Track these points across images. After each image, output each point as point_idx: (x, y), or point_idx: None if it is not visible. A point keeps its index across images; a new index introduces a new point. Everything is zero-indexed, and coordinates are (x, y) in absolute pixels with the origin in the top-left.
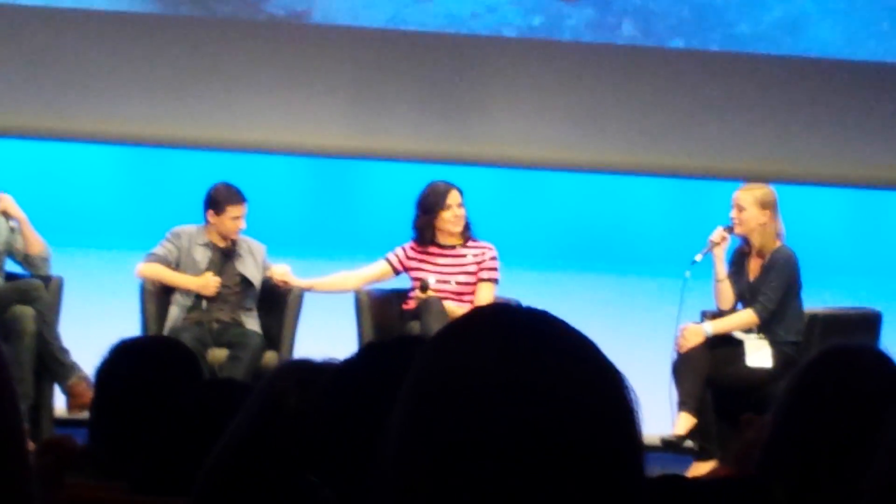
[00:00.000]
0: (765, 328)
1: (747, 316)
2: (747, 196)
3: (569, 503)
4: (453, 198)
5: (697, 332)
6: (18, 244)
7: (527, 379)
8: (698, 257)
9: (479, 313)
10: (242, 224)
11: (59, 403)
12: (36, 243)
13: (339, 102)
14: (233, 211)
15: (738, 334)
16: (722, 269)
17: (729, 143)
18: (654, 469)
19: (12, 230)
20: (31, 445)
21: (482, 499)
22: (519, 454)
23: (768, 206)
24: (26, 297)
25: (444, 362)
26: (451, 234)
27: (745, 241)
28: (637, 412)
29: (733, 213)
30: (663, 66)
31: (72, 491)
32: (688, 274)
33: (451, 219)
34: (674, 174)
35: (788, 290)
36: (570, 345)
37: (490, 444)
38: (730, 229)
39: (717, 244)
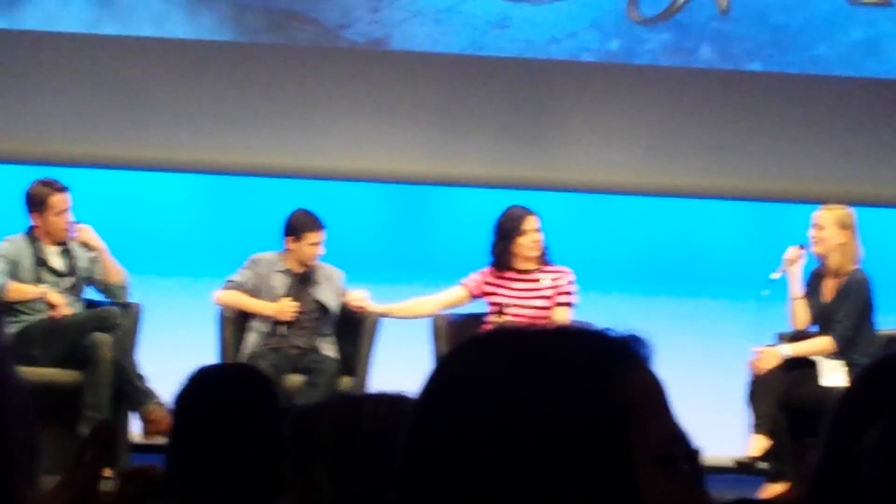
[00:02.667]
0: (840, 353)
1: (826, 342)
2: (828, 216)
3: None
4: (531, 223)
5: (774, 355)
6: (98, 273)
7: (520, 396)
8: (775, 275)
9: (477, 336)
10: (321, 250)
11: (136, 430)
12: (115, 272)
13: (417, 129)
14: (311, 237)
15: (813, 356)
16: (798, 287)
17: (806, 166)
18: (727, 490)
19: (92, 260)
20: (107, 472)
21: None
22: (509, 468)
23: (848, 226)
24: (105, 325)
25: (440, 380)
26: (528, 259)
27: (822, 263)
28: (623, 430)
29: (812, 232)
30: (741, 89)
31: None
32: (766, 293)
33: (528, 244)
34: (751, 198)
35: (863, 314)
36: (565, 365)
37: (481, 459)
38: (804, 247)
39: (793, 262)
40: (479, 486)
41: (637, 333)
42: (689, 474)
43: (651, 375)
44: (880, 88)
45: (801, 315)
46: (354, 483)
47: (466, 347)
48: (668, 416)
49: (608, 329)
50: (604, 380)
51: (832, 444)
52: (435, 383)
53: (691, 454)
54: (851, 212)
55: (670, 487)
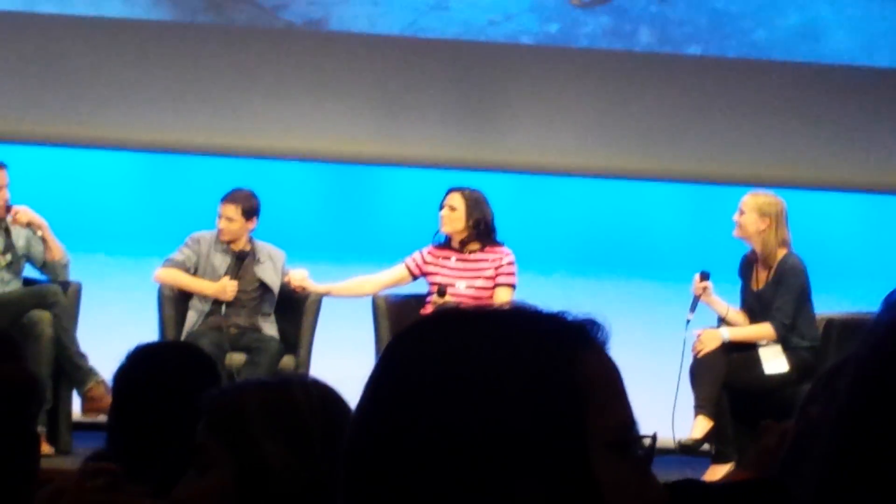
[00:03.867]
0: (779, 339)
1: (765, 329)
2: (750, 201)
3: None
4: (447, 199)
5: (715, 337)
6: (37, 251)
7: (473, 380)
8: (690, 316)
9: (426, 317)
10: (224, 224)
11: (77, 408)
12: (56, 249)
13: (357, 109)
14: (220, 210)
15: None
16: (721, 306)
17: (744, 148)
18: (671, 472)
19: (30, 238)
20: (47, 448)
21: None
22: (461, 454)
23: (768, 214)
24: (44, 302)
25: (389, 364)
26: (452, 236)
27: (752, 249)
28: (574, 415)
29: (735, 216)
30: (680, 72)
31: (91, 496)
32: (689, 319)
33: (441, 217)
34: (689, 180)
35: (799, 298)
36: (507, 347)
37: (432, 445)
38: (704, 275)
39: (702, 291)
40: (431, 473)
41: (593, 316)
42: (643, 459)
43: (606, 359)
44: (816, 72)
45: (741, 322)
46: (301, 456)
47: (415, 331)
48: (624, 401)
49: (564, 311)
50: (559, 363)
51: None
52: (384, 368)
53: (645, 439)
54: (778, 200)
55: (624, 472)
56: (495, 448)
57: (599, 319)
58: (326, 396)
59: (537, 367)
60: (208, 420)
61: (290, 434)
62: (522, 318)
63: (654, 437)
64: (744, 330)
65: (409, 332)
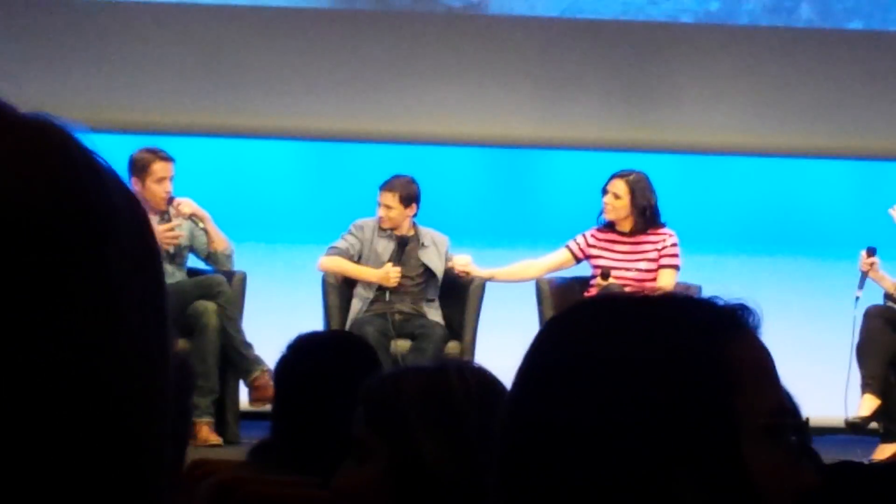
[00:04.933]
0: None
1: None
2: None
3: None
4: (611, 186)
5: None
6: (200, 242)
7: (624, 365)
8: (858, 293)
9: (578, 303)
10: (384, 212)
11: (244, 397)
12: (219, 240)
13: (517, 93)
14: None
15: None
16: (888, 282)
17: None
18: (838, 452)
19: (193, 229)
20: (214, 438)
21: (572, 480)
22: (613, 437)
23: None
24: (209, 293)
25: (543, 349)
26: (617, 222)
27: None
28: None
29: None
30: (842, 47)
31: (256, 486)
32: (858, 296)
33: (605, 205)
34: (853, 156)
35: None
36: (659, 333)
37: (585, 427)
38: (871, 251)
39: (869, 268)
40: (583, 455)
41: (744, 301)
42: (796, 445)
43: (758, 344)
44: None
45: None
46: (456, 446)
47: (569, 315)
48: (776, 385)
49: (715, 297)
50: (710, 348)
51: None
52: (537, 352)
53: (799, 425)
54: None
55: (776, 457)
56: (647, 432)
57: (751, 304)
58: (484, 382)
59: (688, 352)
60: (365, 411)
61: (446, 424)
62: (674, 304)
63: (806, 422)
64: None
65: (562, 317)
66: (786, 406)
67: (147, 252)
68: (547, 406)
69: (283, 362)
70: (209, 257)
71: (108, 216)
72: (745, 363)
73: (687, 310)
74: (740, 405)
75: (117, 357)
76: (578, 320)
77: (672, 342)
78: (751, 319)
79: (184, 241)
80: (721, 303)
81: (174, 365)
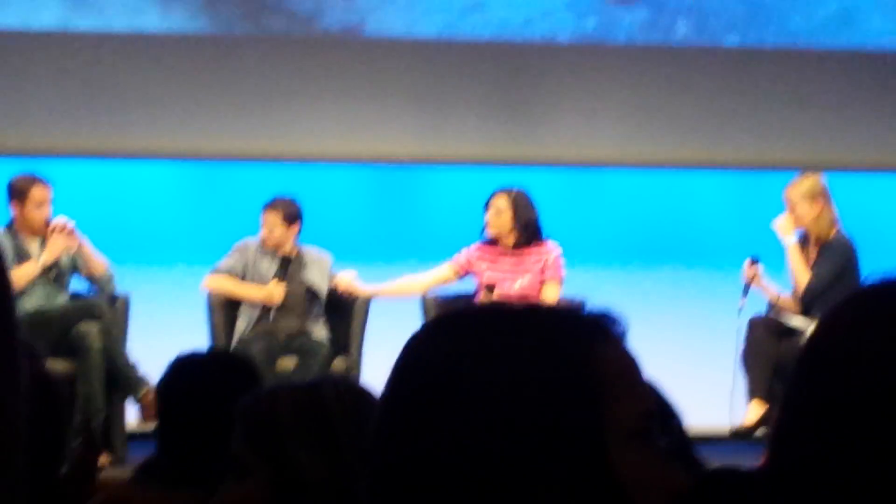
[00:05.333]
0: (805, 309)
1: (804, 278)
2: (794, 192)
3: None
4: (493, 202)
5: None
6: (82, 263)
7: (488, 378)
8: (742, 303)
9: (440, 316)
10: (267, 232)
11: (131, 418)
12: (96, 264)
13: (397, 113)
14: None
15: (800, 324)
16: (772, 291)
17: (785, 135)
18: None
19: (75, 252)
20: (102, 458)
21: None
22: (480, 452)
23: (818, 196)
24: (91, 314)
25: (406, 364)
26: (500, 238)
27: (804, 234)
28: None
29: (786, 214)
30: (719, 63)
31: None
32: (742, 306)
33: (487, 220)
34: (733, 167)
35: (842, 276)
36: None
37: (451, 443)
38: (755, 260)
39: (752, 278)
40: (451, 471)
41: (608, 309)
42: (665, 448)
43: (623, 350)
44: (856, 59)
45: (790, 302)
46: (333, 461)
47: (431, 330)
48: (642, 390)
49: (579, 306)
50: (575, 358)
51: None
52: (401, 367)
53: (668, 428)
54: (819, 180)
55: (645, 462)
56: (512, 444)
57: (615, 312)
58: (361, 397)
59: (552, 363)
60: (243, 428)
61: (321, 440)
62: (536, 315)
63: (678, 424)
64: (793, 262)
65: (424, 331)
66: (653, 411)
67: None
68: (412, 422)
69: (165, 381)
70: (91, 279)
71: None
72: (609, 370)
73: (549, 320)
74: (606, 413)
75: None
76: (440, 335)
77: (534, 352)
78: (615, 327)
79: (66, 264)
80: (585, 311)
81: (49, 391)
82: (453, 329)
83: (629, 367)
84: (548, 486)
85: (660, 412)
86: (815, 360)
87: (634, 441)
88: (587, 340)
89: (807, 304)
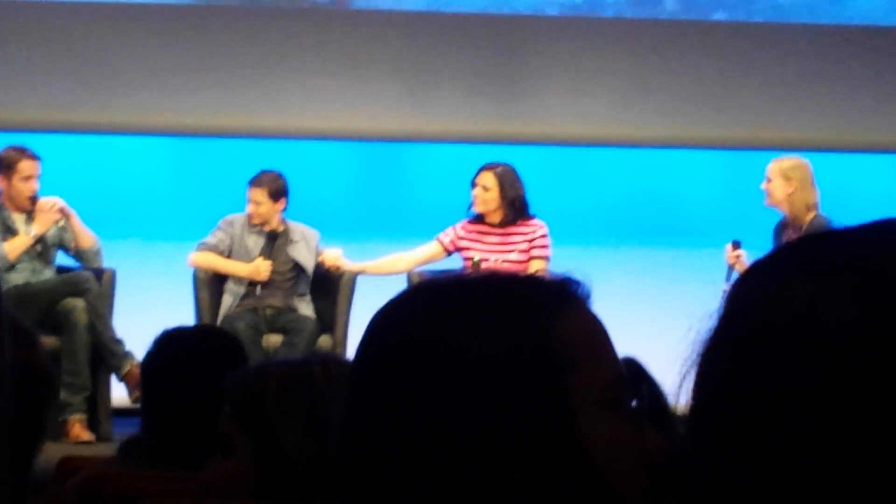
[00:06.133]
0: None
1: None
2: (774, 167)
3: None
4: (480, 178)
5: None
6: (68, 238)
7: (451, 348)
8: (726, 287)
9: (405, 290)
10: (253, 208)
11: (117, 394)
12: (85, 237)
13: (384, 87)
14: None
15: None
16: None
17: (773, 113)
18: None
19: (61, 226)
20: (86, 435)
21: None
22: (444, 424)
23: (794, 177)
24: (76, 290)
25: (373, 335)
26: (486, 214)
27: (784, 215)
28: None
29: (763, 184)
30: (706, 39)
31: (124, 481)
32: (726, 290)
33: (474, 197)
34: (719, 146)
35: None
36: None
37: (415, 416)
38: (737, 244)
39: (736, 260)
40: (415, 444)
41: (570, 273)
42: (637, 413)
43: (588, 316)
44: (843, 34)
45: None
46: (319, 438)
47: (392, 304)
48: (609, 356)
49: (541, 274)
50: (537, 327)
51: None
52: (368, 338)
53: (639, 392)
54: (802, 163)
55: (616, 429)
56: (476, 418)
57: (577, 276)
58: (347, 374)
59: (512, 331)
60: (230, 405)
61: (308, 417)
62: (496, 283)
63: (652, 389)
64: None
65: (387, 306)
66: (622, 376)
67: None
68: (373, 399)
69: (150, 358)
70: (77, 254)
71: None
72: (574, 339)
73: (510, 289)
74: (573, 383)
75: None
76: (401, 309)
77: (494, 321)
78: (579, 291)
79: (51, 239)
80: (547, 278)
81: (26, 369)
82: (412, 302)
83: (595, 333)
84: (513, 459)
85: (631, 376)
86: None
87: (604, 409)
88: (550, 309)
89: None
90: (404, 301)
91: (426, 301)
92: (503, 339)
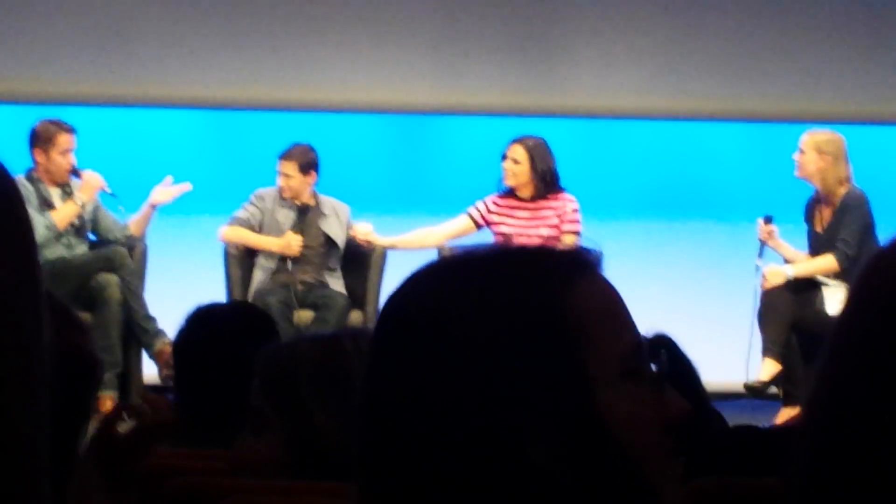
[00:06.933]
0: (844, 274)
1: (828, 262)
2: (808, 140)
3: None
4: (510, 151)
5: (778, 273)
6: (101, 217)
7: (467, 325)
8: (759, 262)
9: (428, 263)
10: (283, 181)
11: (148, 371)
12: (141, 228)
13: (415, 59)
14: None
15: (821, 277)
16: (788, 251)
17: (808, 85)
18: (740, 416)
19: (96, 206)
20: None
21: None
22: (461, 401)
23: (827, 151)
24: (111, 265)
25: (389, 314)
26: (517, 188)
27: (816, 189)
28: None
29: (795, 155)
30: (740, 8)
31: (158, 458)
32: (759, 265)
33: (504, 170)
34: (753, 119)
35: (864, 230)
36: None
37: (432, 394)
38: (769, 219)
39: (768, 236)
40: (433, 421)
41: (584, 244)
42: (657, 376)
43: (603, 286)
44: (881, 4)
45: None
46: (349, 415)
47: (412, 279)
48: (626, 324)
49: (554, 245)
50: (552, 301)
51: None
52: (385, 318)
53: (656, 356)
54: (837, 137)
55: (638, 399)
56: (493, 395)
57: (591, 246)
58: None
59: (526, 306)
60: (261, 382)
61: (339, 394)
62: (508, 257)
63: (667, 350)
64: (807, 264)
65: (404, 283)
66: (640, 343)
67: (14, 223)
68: (393, 376)
69: (182, 334)
70: (104, 235)
71: None
72: (590, 309)
73: (522, 263)
74: (591, 355)
75: None
76: (419, 284)
77: (510, 299)
78: (591, 259)
79: (88, 215)
80: (558, 249)
81: (74, 354)
82: (429, 279)
83: (610, 303)
84: (536, 437)
85: (651, 343)
86: (851, 330)
87: (624, 380)
88: (564, 282)
89: (847, 271)
90: (418, 279)
91: (439, 278)
92: (517, 314)
